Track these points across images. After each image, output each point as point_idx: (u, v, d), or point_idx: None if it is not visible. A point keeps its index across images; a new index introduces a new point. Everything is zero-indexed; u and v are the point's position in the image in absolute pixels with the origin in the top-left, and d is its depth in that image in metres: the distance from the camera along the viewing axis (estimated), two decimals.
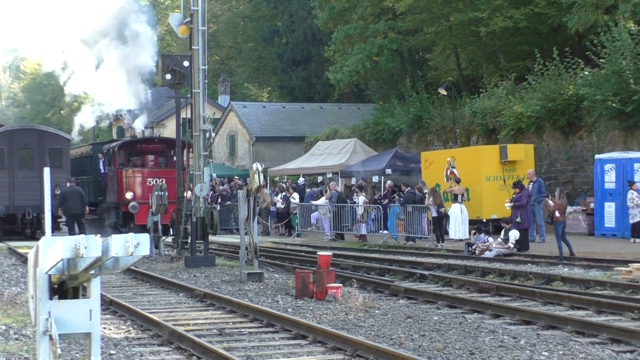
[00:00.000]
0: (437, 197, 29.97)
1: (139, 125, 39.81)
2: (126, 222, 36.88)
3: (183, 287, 19.27)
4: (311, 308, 16.10)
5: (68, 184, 33.47)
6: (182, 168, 30.15)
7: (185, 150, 32.25)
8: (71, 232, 31.25)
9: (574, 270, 21.52)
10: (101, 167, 40.60)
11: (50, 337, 6.52)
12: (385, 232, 33.08)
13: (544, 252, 25.12)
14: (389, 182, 36.75)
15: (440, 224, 30.01)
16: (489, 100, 40.69)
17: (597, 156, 31.80)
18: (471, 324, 14.14)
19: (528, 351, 11.80)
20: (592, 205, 31.46)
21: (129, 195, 35.89)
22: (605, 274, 20.23)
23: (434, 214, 29.82)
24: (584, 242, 28.08)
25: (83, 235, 6.05)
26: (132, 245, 5.90)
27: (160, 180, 30.93)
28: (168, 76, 26.72)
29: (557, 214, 24.30)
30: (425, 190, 31.34)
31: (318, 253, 18.54)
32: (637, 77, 32.07)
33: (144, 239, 5.94)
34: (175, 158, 34.11)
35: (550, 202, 24.94)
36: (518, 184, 27.09)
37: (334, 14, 52.44)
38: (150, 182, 35.00)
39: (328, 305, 16.35)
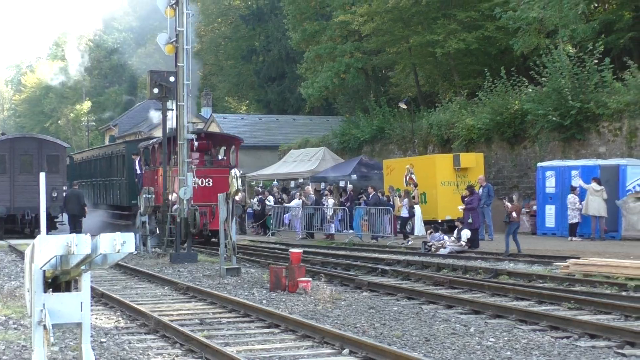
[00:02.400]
0: (410, 199, 30.37)
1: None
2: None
3: (168, 281, 19.17)
4: (284, 300, 16.06)
5: (65, 187, 33.31)
6: (230, 167, 28.43)
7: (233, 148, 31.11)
8: (72, 231, 30.99)
9: (519, 265, 21.61)
10: (137, 168, 33.65)
11: (45, 326, 6.46)
12: (351, 231, 33.10)
13: (492, 249, 25.18)
14: (350, 186, 36.79)
15: (407, 223, 30.21)
16: (444, 113, 40.81)
17: (539, 164, 31.96)
18: (427, 314, 14.14)
19: (477, 338, 11.80)
20: (534, 207, 31.63)
21: (173, 197, 27.25)
22: (545, 269, 20.33)
23: (405, 214, 30.00)
24: (527, 241, 28.15)
25: (75, 234, 6.01)
26: (119, 243, 5.87)
27: (207, 180, 28.93)
28: (156, 90, 26.69)
29: (514, 214, 24.45)
30: (395, 194, 31.49)
31: (290, 250, 18.49)
32: (574, 94, 32.30)
33: (130, 237, 5.91)
34: (220, 156, 31.90)
35: (507, 204, 25.05)
36: (470, 189, 27.16)
37: (306, 35, 52.56)
38: (196, 183, 27.78)
39: (299, 297, 16.31)
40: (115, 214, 39.71)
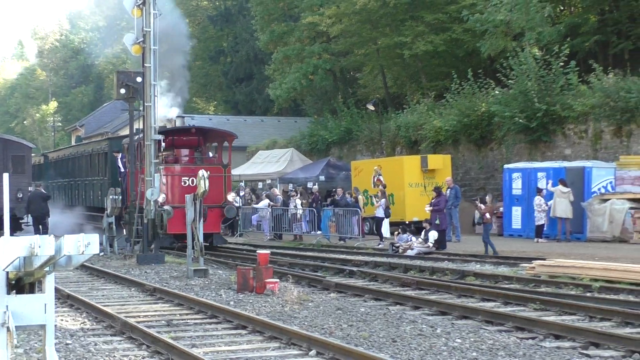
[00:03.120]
0: (387, 200, 30.55)
1: (171, 113, 32.27)
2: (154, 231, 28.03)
3: (135, 282, 19.06)
4: (251, 301, 16.01)
5: (30, 188, 32.99)
6: (222, 166, 28.18)
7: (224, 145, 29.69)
8: (36, 232, 30.66)
9: (485, 266, 21.72)
10: (120, 166, 30.65)
11: (8, 328, 6.40)
12: (319, 232, 33.10)
13: (459, 250, 25.28)
14: (315, 187, 36.80)
15: (382, 224, 30.34)
16: (412, 115, 40.95)
17: (505, 166, 32.13)
18: (394, 315, 14.16)
19: (444, 338, 11.84)
20: (501, 209, 31.78)
21: (160, 198, 25.84)
22: (512, 270, 20.43)
23: (381, 215, 30.11)
24: (494, 242, 28.30)
25: (38, 236, 5.95)
26: (83, 245, 5.82)
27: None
28: (123, 90, 26.49)
29: (487, 215, 24.60)
30: (359, 194, 31.56)
31: (258, 251, 18.45)
32: (540, 96, 32.55)
33: (94, 238, 5.87)
34: (210, 154, 30.29)
35: (481, 205, 25.20)
36: (437, 190, 27.26)
37: (274, 36, 52.55)
38: (185, 182, 27.28)
39: (266, 299, 16.27)
40: (96, 216, 35.34)
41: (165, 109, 30.03)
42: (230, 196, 26.37)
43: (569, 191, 28.12)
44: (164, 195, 25.66)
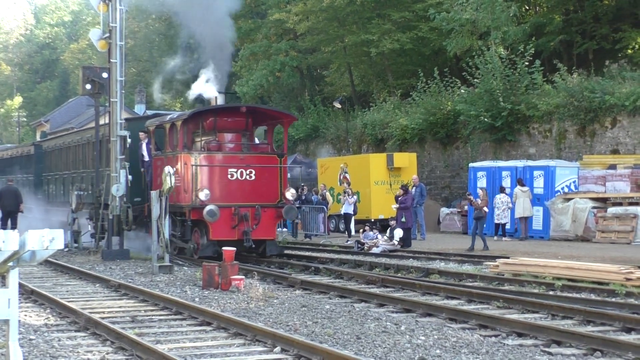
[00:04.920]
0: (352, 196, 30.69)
1: (210, 91, 26.07)
2: (190, 234, 22.54)
3: (99, 278, 18.96)
4: (216, 298, 15.99)
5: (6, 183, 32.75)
6: (278, 155, 23.18)
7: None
8: (4, 228, 30.33)
9: (449, 264, 21.79)
10: (144, 153, 25.40)
11: None
12: (284, 229, 33.09)
13: (424, 248, 25.37)
14: None
15: (351, 220, 30.50)
16: (378, 113, 41.08)
17: (471, 164, 32.30)
18: (359, 312, 14.20)
19: (407, 336, 11.89)
20: (466, 207, 31.94)
21: (203, 194, 21.41)
22: (476, 268, 20.53)
23: (350, 211, 30.21)
24: (458, 240, 28.51)
25: (1, 230, 5.92)
26: (47, 240, 5.81)
27: (248, 171, 22.20)
28: (88, 86, 26.28)
29: (485, 209, 24.89)
30: (325, 191, 31.64)
31: (223, 248, 18.41)
32: (505, 95, 32.80)
33: (59, 234, 5.84)
34: (257, 140, 25.25)
35: (478, 200, 25.36)
36: (404, 188, 27.37)
37: (241, 33, 52.37)
38: (232, 175, 22.06)
39: (231, 295, 16.25)
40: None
41: (200, 86, 26.35)
42: (290, 193, 22.13)
43: (528, 190, 28.42)
44: (207, 192, 21.49)
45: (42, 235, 5.87)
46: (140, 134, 25.27)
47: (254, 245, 21.71)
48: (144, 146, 25.35)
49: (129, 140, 24.86)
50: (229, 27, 26.26)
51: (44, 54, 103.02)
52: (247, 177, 22.12)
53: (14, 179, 37.80)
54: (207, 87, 25.92)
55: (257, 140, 25.16)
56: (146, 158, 25.17)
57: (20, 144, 44.54)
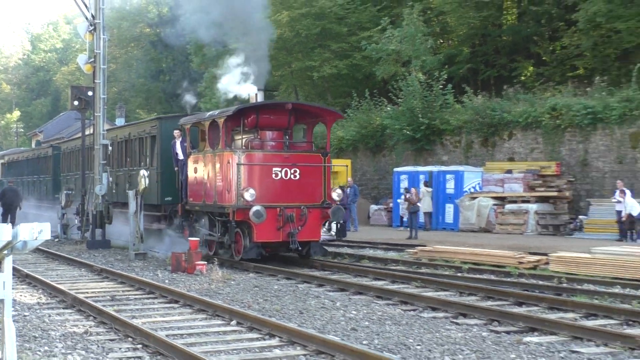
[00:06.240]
0: None
1: (243, 89, 21.35)
2: (233, 235, 17.86)
3: (84, 264, 18.71)
4: (183, 280, 15.86)
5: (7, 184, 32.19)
6: (322, 153, 18.79)
7: None
8: (4, 222, 29.63)
9: (377, 251, 21.90)
10: (178, 151, 21.05)
11: None
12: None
13: (357, 238, 25.40)
14: None
15: None
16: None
17: (395, 169, 32.49)
18: (302, 291, 14.20)
19: (342, 311, 11.91)
20: (391, 204, 32.14)
21: (248, 194, 17.36)
22: (398, 254, 20.66)
23: None
24: (384, 231, 28.65)
25: None
26: (36, 232, 5.74)
27: (293, 171, 17.98)
28: (76, 102, 26.13)
29: (419, 204, 25.06)
30: None
31: (189, 239, 18.27)
32: (423, 112, 33.02)
33: (46, 227, 5.78)
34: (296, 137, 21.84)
35: (413, 197, 25.42)
36: (341, 188, 27.36)
37: (205, 59, 52.12)
38: (277, 174, 17.88)
39: (196, 278, 16.14)
40: (154, 217, 23.56)
41: (235, 86, 21.64)
42: (336, 194, 18.35)
43: (431, 190, 28.84)
44: (253, 192, 17.43)
45: (32, 228, 5.80)
46: (175, 132, 21.20)
47: (300, 248, 17.87)
48: (178, 144, 21.17)
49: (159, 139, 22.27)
50: (266, 26, 22.32)
51: (39, 75, 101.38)
52: (292, 176, 18.10)
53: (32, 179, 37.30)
54: (246, 85, 21.34)
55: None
56: (180, 157, 20.99)
57: (41, 147, 42.70)
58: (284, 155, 18.17)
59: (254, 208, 17.00)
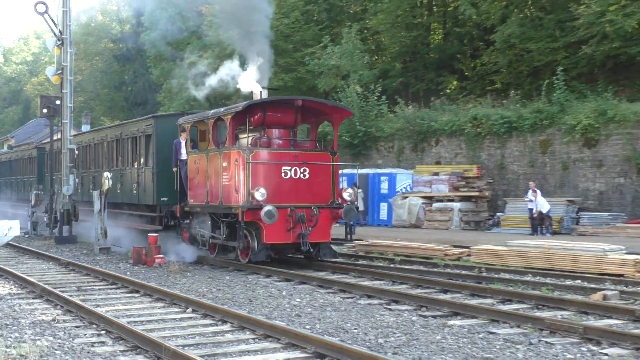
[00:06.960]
0: None
1: (253, 86, 17.24)
2: (240, 237, 15.40)
3: (53, 258, 18.32)
4: (143, 272, 15.66)
5: None
6: (330, 152, 16.48)
7: None
8: None
9: None
10: (183, 151, 18.01)
11: None
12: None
13: None
14: None
15: None
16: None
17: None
18: (251, 281, 14.14)
19: (287, 299, 11.90)
20: None
21: (259, 194, 15.04)
22: (338, 248, 20.55)
23: None
24: None
25: None
26: (6, 229, 5.62)
27: (302, 170, 15.69)
28: (45, 110, 25.77)
29: (357, 203, 24.77)
30: None
31: (149, 234, 18.04)
32: (361, 121, 33.18)
33: (15, 224, 5.66)
34: (301, 136, 18.78)
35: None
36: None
37: (164, 71, 51.54)
38: (286, 173, 15.55)
39: (155, 270, 15.96)
40: (134, 215, 21.67)
41: (244, 82, 18.00)
42: (347, 193, 16.19)
43: (362, 191, 28.96)
44: (264, 191, 15.12)
45: (2, 225, 5.67)
46: (182, 132, 18.15)
47: (311, 250, 15.52)
48: (183, 144, 18.12)
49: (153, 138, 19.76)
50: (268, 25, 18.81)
51: (11, 85, 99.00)
52: (301, 175, 15.78)
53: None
54: (251, 83, 17.57)
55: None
56: (184, 157, 18.07)
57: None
58: (294, 154, 15.83)
59: (266, 208, 14.77)
